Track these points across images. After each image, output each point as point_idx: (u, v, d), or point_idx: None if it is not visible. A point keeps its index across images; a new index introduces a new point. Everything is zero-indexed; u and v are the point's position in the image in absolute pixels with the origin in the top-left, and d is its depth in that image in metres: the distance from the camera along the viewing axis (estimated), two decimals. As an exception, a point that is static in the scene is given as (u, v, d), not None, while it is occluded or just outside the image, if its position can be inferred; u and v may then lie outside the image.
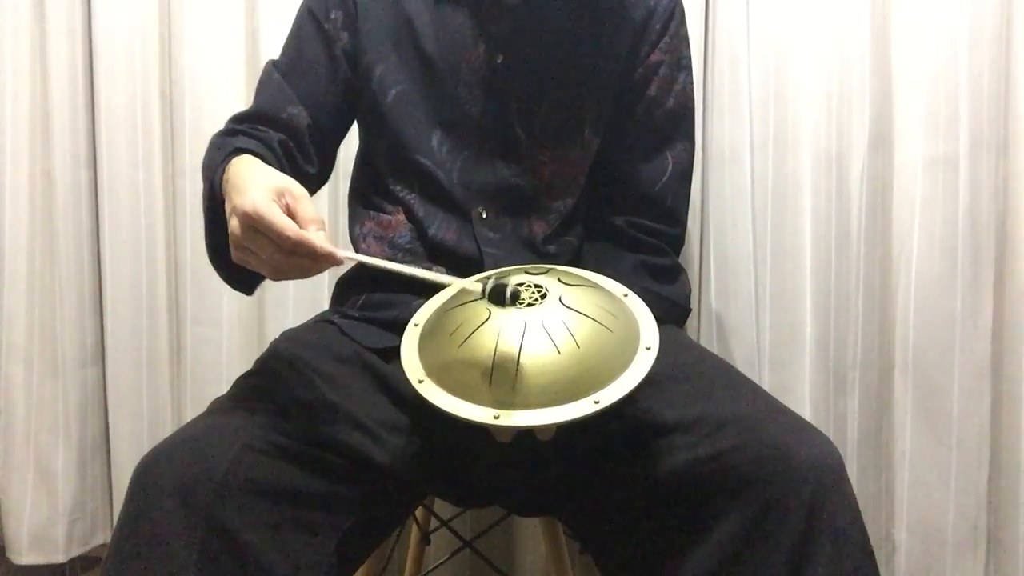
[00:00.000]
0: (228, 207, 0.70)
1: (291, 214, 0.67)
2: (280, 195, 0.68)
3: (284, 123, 0.91)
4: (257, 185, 0.68)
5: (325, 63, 0.94)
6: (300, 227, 0.66)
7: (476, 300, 0.71)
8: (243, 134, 0.88)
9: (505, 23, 0.93)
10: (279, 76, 0.94)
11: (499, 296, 0.69)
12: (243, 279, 0.86)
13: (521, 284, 0.71)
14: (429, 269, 0.90)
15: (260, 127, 0.90)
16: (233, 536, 0.66)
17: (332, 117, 0.96)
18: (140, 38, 1.33)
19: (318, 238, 0.66)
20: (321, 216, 0.69)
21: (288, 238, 0.65)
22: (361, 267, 0.96)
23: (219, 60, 1.31)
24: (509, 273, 0.75)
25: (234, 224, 0.67)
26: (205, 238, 0.84)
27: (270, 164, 0.80)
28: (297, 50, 0.96)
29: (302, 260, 0.67)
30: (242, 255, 0.69)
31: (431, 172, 0.92)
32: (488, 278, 0.71)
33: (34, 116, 1.36)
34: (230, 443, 0.70)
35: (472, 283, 0.72)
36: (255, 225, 0.66)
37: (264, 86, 0.95)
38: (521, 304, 0.69)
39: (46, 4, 1.32)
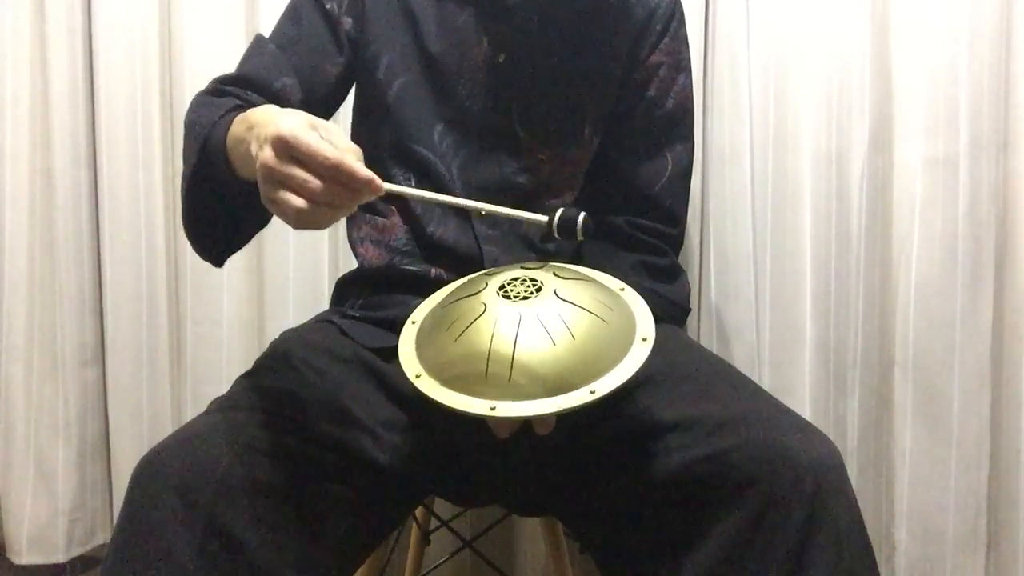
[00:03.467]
0: (254, 147, 0.65)
1: None
2: (313, 127, 0.63)
3: (275, 93, 0.87)
4: (289, 114, 0.64)
5: (327, 42, 0.92)
6: None
7: (474, 294, 0.71)
8: (232, 96, 0.83)
9: (507, 22, 0.93)
10: (274, 47, 0.90)
11: (569, 229, 0.71)
12: (214, 246, 0.83)
13: (517, 278, 0.71)
14: (428, 271, 0.90)
15: (249, 92, 0.85)
16: (233, 535, 0.66)
17: (324, 97, 0.93)
18: (140, 38, 1.33)
19: (358, 164, 0.62)
20: (358, 148, 0.65)
21: (326, 158, 0.60)
22: (361, 268, 0.96)
23: (219, 60, 1.30)
24: (506, 270, 0.75)
25: (267, 154, 0.62)
26: (182, 200, 0.80)
27: None
28: (295, 27, 0.93)
29: (339, 188, 0.62)
30: (271, 191, 0.63)
31: (432, 164, 0.92)
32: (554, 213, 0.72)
33: (34, 116, 1.36)
34: (230, 442, 0.70)
35: (535, 216, 0.72)
36: (291, 150, 0.61)
37: (254, 54, 0.90)
38: (517, 297, 0.69)
39: (46, 4, 1.32)
